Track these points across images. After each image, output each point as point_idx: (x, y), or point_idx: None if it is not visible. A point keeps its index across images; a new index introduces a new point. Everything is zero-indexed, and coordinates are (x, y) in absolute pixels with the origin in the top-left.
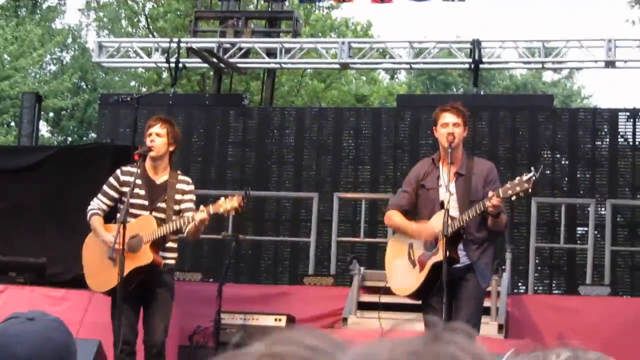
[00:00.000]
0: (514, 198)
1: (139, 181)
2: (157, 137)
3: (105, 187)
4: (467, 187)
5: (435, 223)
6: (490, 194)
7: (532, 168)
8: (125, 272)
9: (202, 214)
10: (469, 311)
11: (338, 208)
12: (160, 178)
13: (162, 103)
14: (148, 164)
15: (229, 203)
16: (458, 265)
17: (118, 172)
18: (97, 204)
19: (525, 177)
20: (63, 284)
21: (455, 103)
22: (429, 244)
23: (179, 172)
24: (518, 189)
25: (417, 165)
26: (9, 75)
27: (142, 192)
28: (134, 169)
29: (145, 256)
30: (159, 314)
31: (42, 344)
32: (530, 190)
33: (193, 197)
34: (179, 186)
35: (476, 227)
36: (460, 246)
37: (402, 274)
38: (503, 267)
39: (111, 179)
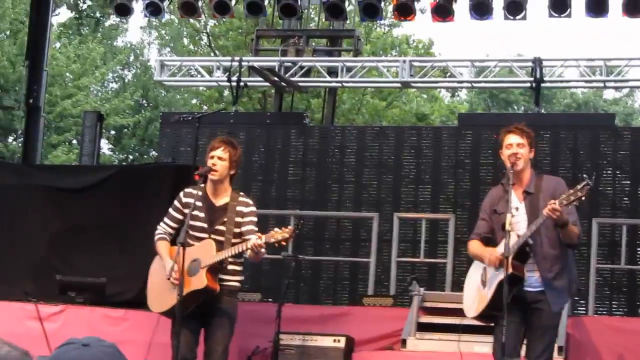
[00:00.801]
0: (570, 207)
1: (199, 203)
2: (219, 160)
3: (170, 210)
4: (536, 204)
5: (501, 247)
6: (551, 202)
7: (585, 176)
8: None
9: (255, 240)
10: (543, 343)
11: (398, 228)
12: (221, 200)
13: (223, 122)
14: (209, 186)
15: (280, 234)
16: (530, 289)
17: (181, 194)
18: (163, 228)
19: (579, 186)
20: (123, 304)
21: (520, 124)
22: (499, 266)
23: (240, 193)
24: (572, 197)
25: (491, 192)
26: (72, 94)
27: (202, 215)
28: (195, 191)
29: (199, 281)
30: (218, 335)
31: None
32: (584, 198)
33: (254, 218)
34: (238, 208)
35: (551, 243)
36: (534, 267)
37: (474, 296)
38: (582, 288)
39: (175, 202)
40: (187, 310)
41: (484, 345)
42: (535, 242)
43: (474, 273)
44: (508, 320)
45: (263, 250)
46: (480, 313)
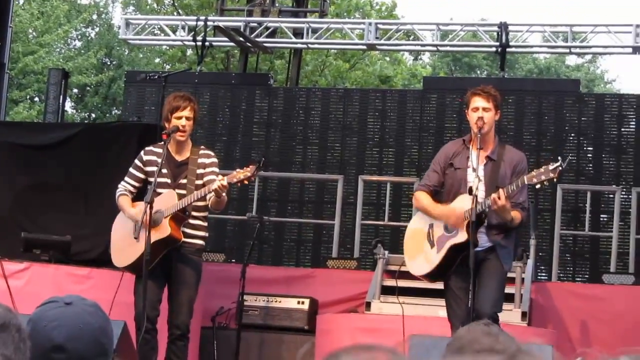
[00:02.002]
0: (538, 186)
1: (162, 160)
2: (187, 120)
3: (131, 169)
4: (496, 172)
5: (460, 205)
6: (500, 191)
7: (559, 157)
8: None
9: (218, 183)
10: (492, 288)
11: (362, 191)
12: (183, 156)
13: (188, 81)
14: (172, 143)
15: (242, 173)
16: (479, 248)
17: (142, 152)
18: (124, 186)
19: (551, 167)
20: (88, 263)
21: (487, 87)
22: (449, 226)
23: (201, 147)
24: (543, 177)
25: (447, 145)
26: (34, 50)
27: (165, 171)
28: (157, 149)
29: (164, 230)
30: (184, 295)
31: (80, 329)
32: (555, 179)
33: (215, 169)
34: (200, 160)
35: (499, 216)
36: (482, 229)
37: (420, 255)
38: (527, 253)
39: (136, 161)
40: (152, 263)
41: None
42: (488, 213)
43: (418, 229)
44: (459, 286)
45: (224, 195)
46: (428, 273)
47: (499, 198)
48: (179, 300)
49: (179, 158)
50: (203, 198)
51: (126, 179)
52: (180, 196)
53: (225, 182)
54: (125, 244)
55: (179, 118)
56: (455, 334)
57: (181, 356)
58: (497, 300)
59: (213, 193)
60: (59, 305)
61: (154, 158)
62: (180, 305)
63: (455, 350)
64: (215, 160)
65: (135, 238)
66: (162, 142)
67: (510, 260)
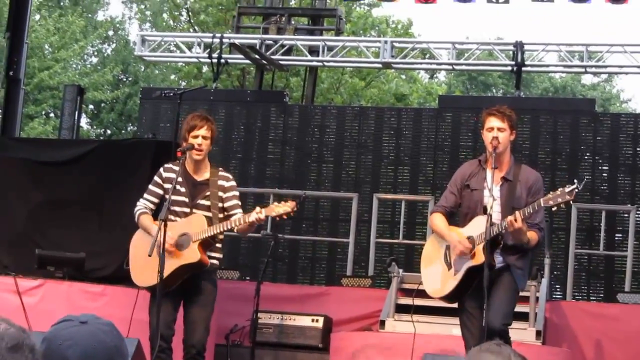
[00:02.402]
0: (554, 208)
1: (180, 179)
2: (204, 139)
3: (150, 186)
4: (512, 193)
5: (476, 227)
6: (516, 214)
7: (575, 180)
8: (172, 269)
9: (257, 215)
10: (502, 301)
11: (377, 209)
12: (201, 176)
13: (203, 98)
14: (188, 162)
15: (282, 208)
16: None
17: (161, 169)
18: (144, 204)
19: (567, 189)
20: (102, 280)
21: (502, 107)
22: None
23: (220, 168)
24: (560, 199)
25: (464, 166)
26: (50, 65)
27: (183, 190)
28: (176, 167)
29: (193, 254)
30: (200, 314)
31: (95, 348)
32: (571, 202)
33: (236, 192)
34: (220, 182)
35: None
36: (497, 249)
37: (437, 276)
38: (542, 272)
39: (155, 177)
40: (173, 285)
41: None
42: (504, 234)
43: (435, 248)
44: (473, 305)
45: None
46: (446, 296)
47: (516, 220)
48: (195, 319)
49: (197, 177)
50: (232, 230)
51: (146, 196)
52: (207, 218)
53: (262, 216)
54: (148, 263)
55: (196, 137)
56: (467, 353)
57: None
58: (507, 313)
59: (248, 225)
60: (73, 324)
61: (173, 176)
62: (197, 324)
63: None
64: (234, 184)
65: (162, 260)
66: (179, 160)
67: (524, 281)
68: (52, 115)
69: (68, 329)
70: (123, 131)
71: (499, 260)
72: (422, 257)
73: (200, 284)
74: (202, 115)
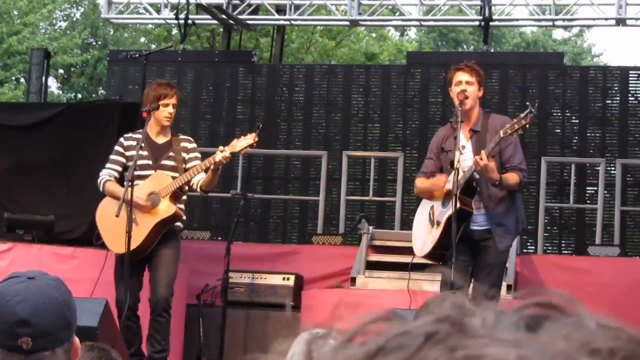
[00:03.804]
0: (515, 135)
1: (142, 143)
2: (173, 108)
3: (111, 156)
4: (481, 143)
5: (449, 186)
6: (482, 152)
7: (528, 103)
8: (150, 228)
9: (221, 154)
10: (490, 281)
11: (347, 166)
12: (162, 139)
13: (171, 59)
14: (150, 127)
15: (243, 140)
16: (476, 227)
17: (121, 139)
18: (107, 173)
19: (522, 114)
20: (71, 242)
21: (470, 62)
22: (446, 202)
23: (179, 133)
24: (517, 126)
25: (438, 131)
26: (18, 30)
27: (145, 153)
28: (136, 135)
29: (168, 208)
30: (162, 271)
31: (44, 303)
32: (528, 125)
33: (198, 154)
34: (182, 144)
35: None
36: (481, 205)
37: (423, 236)
38: None
39: (116, 147)
40: (152, 244)
41: (433, 283)
42: (481, 182)
43: (422, 212)
44: (463, 259)
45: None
46: (430, 252)
47: (481, 159)
48: (158, 278)
49: (158, 140)
50: (206, 170)
51: (108, 165)
52: (173, 179)
53: (227, 154)
54: (121, 228)
55: (167, 105)
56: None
57: (163, 332)
58: (495, 291)
59: (214, 166)
60: (21, 280)
61: (134, 143)
62: (160, 282)
63: (417, 314)
64: (196, 145)
65: (134, 222)
66: (141, 129)
67: (508, 237)
68: (22, 80)
69: (16, 285)
70: (94, 95)
71: (480, 219)
72: (414, 222)
73: (163, 245)
74: (170, 83)
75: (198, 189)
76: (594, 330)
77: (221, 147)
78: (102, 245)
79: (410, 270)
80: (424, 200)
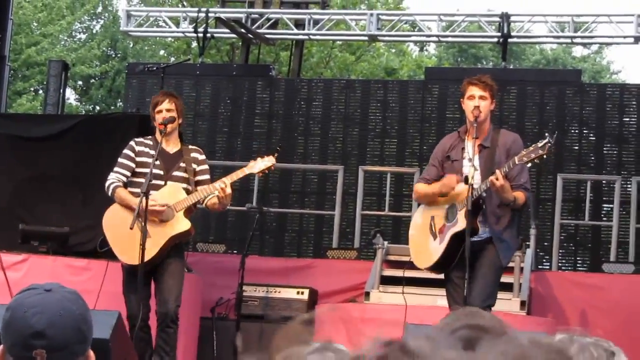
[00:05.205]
0: (529, 165)
1: (152, 152)
2: (167, 112)
3: (121, 160)
4: (491, 159)
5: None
6: (497, 172)
7: (547, 134)
8: (165, 240)
9: (240, 174)
10: (485, 281)
11: (363, 181)
12: (173, 148)
13: (189, 73)
14: (159, 137)
15: (261, 163)
16: (477, 239)
17: (132, 142)
18: (117, 177)
19: (540, 144)
20: (86, 254)
21: (484, 76)
22: (450, 215)
23: (188, 143)
24: (533, 155)
25: (444, 139)
26: (37, 41)
27: (157, 162)
28: (147, 140)
29: (183, 223)
30: (170, 283)
31: (61, 315)
32: (545, 156)
33: (207, 166)
34: (193, 155)
35: (500, 202)
36: (481, 218)
37: (423, 247)
38: (527, 243)
39: (126, 151)
40: (164, 257)
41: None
42: (486, 200)
43: (420, 220)
44: (458, 275)
45: (229, 191)
46: (432, 266)
47: (497, 179)
48: (166, 289)
49: (169, 150)
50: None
51: (118, 169)
52: (185, 190)
53: (228, 191)
54: (132, 238)
55: (160, 112)
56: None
57: (171, 343)
58: (490, 294)
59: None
60: (38, 292)
61: (146, 149)
62: (168, 293)
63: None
64: (205, 157)
65: (145, 233)
66: (151, 136)
67: (509, 254)
68: (40, 91)
69: (33, 296)
70: (112, 107)
71: (483, 234)
72: (409, 232)
73: (169, 254)
74: (167, 92)
75: (205, 206)
76: (527, 346)
77: (223, 182)
78: (107, 253)
79: (425, 285)
80: (421, 207)
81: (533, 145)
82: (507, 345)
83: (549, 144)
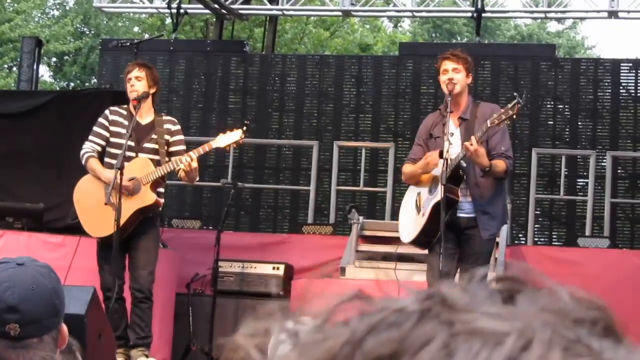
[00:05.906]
0: (502, 125)
1: (125, 122)
2: (137, 80)
3: (96, 128)
4: (469, 130)
5: (437, 172)
6: (472, 138)
7: (516, 94)
8: (128, 214)
9: (206, 148)
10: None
11: (338, 157)
12: (145, 119)
13: (162, 49)
14: (135, 111)
15: (230, 136)
16: (464, 215)
17: (107, 112)
18: (91, 147)
19: (510, 105)
20: (61, 230)
21: (456, 50)
22: (433, 189)
23: (163, 113)
24: (504, 116)
25: (427, 117)
26: (10, 18)
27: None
28: (121, 110)
29: (149, 197)
30: (143, 259)
31: (33, 290)
32: (515, 116)
33: (181, 136)
34: (166, 126)
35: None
36: (467, 192)
37: (410, 223)
38: None
39: (101, 120)
40: (129, 231)
41: (422, 273)
42: (468, 170)
43: (409, 199)
44: (446, 246)
45: (194, 165)
46: (415, 238)
47: (471, 144)
48: (139, 264)
49: (142, 121)
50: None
51: (92, 138)
52: (154, 161)
53: (195, 164)
54: (100, 212)
55: (129, 81)
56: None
57: (145, 318)
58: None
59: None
60: (11, 266)
61: (119, 119)
62: (142, 269)
63: None
64: (179, 127)
65: (111, 206)
66: (126, 105)
67: (492, 225)
68: (14, 68)
69: (5, 271)
70: (87, 84)
71: (467, 207)
72: (400, 209)
73: (142, 229)
74: (136, 61)
75: (178, 176)
76: (569, 302)
77: (189, 155)
78: (81, 229)
79: (400, 260)
80: (411, 187)
81: (503, 108)
82: (548, 299)
83: (519, 105)
